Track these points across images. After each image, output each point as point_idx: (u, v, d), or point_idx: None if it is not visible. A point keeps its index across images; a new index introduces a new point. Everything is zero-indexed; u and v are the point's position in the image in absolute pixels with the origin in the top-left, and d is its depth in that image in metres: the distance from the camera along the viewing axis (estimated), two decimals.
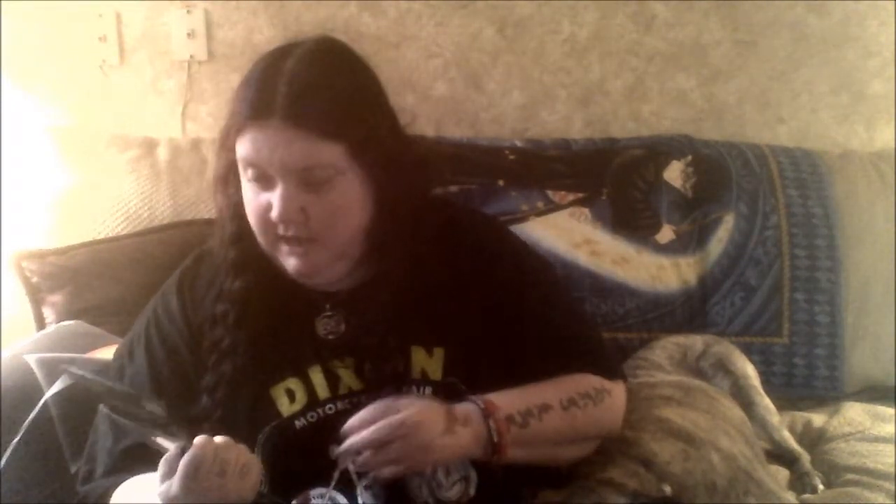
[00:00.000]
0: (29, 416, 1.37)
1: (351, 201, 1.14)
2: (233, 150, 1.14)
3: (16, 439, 1.35)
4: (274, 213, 1.11)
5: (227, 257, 1.21)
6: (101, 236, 1.78)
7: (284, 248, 1.14)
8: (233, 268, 1.20)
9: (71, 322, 1.65)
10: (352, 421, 1.05)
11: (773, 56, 2.09)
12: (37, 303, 1.71)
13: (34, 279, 1.71)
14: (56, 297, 1.70)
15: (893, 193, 1.93)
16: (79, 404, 1.39)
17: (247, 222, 1.17)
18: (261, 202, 1.12)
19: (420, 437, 1.03)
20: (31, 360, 1.45)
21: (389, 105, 1.19)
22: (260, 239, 1.16)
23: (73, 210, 1.81)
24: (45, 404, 1.38)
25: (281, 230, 1.12)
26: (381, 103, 1.18)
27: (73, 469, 1.34)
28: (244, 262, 1.19)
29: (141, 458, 1.12)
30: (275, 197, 1.10)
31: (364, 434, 1.03)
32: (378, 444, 1.03)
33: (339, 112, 1.11)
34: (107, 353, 1.51)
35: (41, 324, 1.71)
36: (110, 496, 1.14)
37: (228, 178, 1.19)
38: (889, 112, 2.12)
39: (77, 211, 1.81)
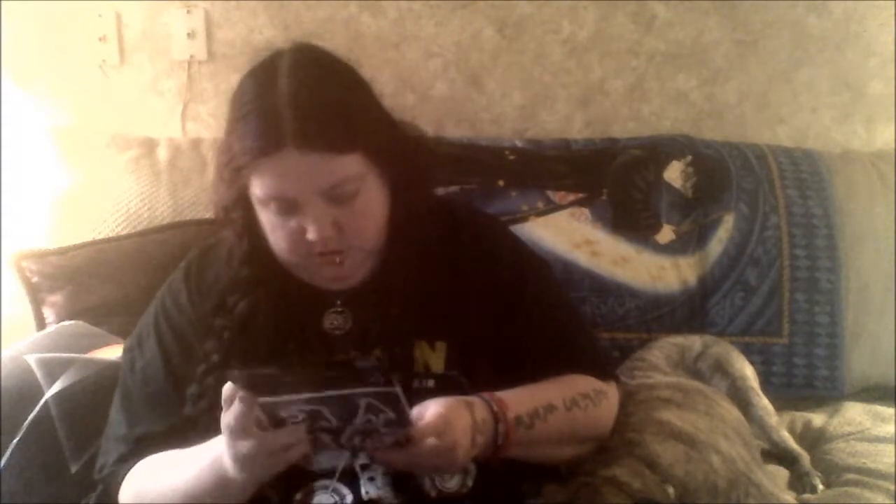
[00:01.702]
0: (29, 416, 1.37)
1: (375, 203, 1.15)
2: (237, 185, 1.12)
3: (16, 439, 1.35)
4: (311, 235, 1.10)
5: (239, 275, 1.20)
6: (101, 236, 1.77)
7: (317, 261, 1.14)
8: (243, 284, 1.20)
9: (71, 322, 1.65)
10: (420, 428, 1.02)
11: (773, 56, 2.09)
12: (37, 303, 1.71)
13: (34, 279, 1.70)
14: (56, 297, 1.70)
15: (893, 193, 1.93)
16: (79, 404, 1.39)
17: (258, 241, 1.17)
18: (291, 229, 1.11)
19: (454, 455, 1.04)
20: (31, 360, 1.46)
21: (378, 98, 1.19)
22: (287, 258, 1.15)
23: (73, 210, 1.81)
24: (45, 404, 1.38)
25: (318, 248, 1.12)
26: (375, 100, 1.18)
27: (73, 469, 1.34)
28: (255, 279, 1.20)
29: (155, 445, 1.16)
30: (306, 220, 1.10)
31: (419, 457, 1.03)
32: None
33: (347, 123, 1.09)
34: (107, 352, 1.52)
35: (41, 324, 1.70)
36: (122, 479, 1.17)
37: (235, 209, 1.17)
38: (889, 112, 2.12)
39: (77, 211, 1.80)
